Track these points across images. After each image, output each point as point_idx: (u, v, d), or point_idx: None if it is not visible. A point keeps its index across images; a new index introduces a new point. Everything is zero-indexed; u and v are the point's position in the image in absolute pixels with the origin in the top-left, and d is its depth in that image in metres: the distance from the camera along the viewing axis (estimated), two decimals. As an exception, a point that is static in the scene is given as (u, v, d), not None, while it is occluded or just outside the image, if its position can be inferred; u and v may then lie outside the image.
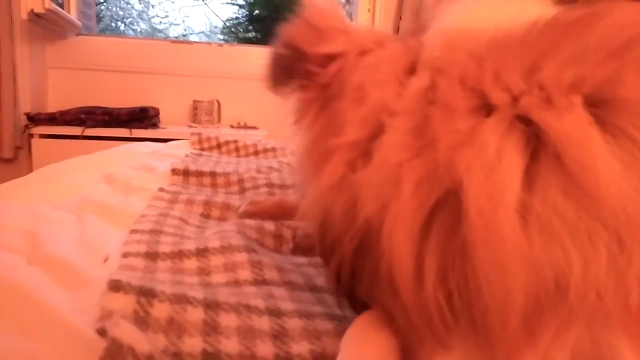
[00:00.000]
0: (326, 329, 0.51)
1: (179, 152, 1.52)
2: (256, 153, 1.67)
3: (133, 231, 0.72)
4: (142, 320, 0.47)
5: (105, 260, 0.63)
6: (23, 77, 2.70)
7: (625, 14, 0.37)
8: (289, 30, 0.57)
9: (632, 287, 0.29)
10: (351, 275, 0.46)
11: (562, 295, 0.30)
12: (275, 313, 0.53)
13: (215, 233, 0.74)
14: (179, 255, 0.66)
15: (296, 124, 0.61)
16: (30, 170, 2.60)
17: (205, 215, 0.89)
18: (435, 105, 0.40)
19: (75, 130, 2.55)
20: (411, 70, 0.48)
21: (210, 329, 0.48)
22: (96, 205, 0.85)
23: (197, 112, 2.97)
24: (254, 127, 3.02)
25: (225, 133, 2.74)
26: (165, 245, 0.69)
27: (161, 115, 2.89)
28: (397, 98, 0.45)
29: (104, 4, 8.07)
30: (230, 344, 0.46)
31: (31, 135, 2.57)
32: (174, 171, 1.16)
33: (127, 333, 0.40)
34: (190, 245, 0.69)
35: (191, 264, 0.65)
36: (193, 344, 0.46)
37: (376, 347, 0.43)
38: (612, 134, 0.31)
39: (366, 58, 0.52)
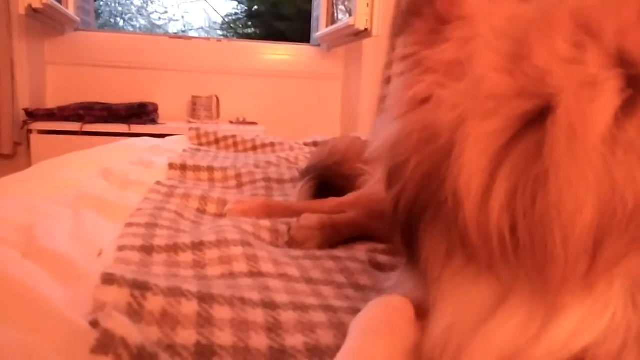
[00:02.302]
0: (320, 321, 0.51)
1: (177, 147, 1.52)
2: (254, 148, 1.66)
3: (129, 224, 0.72)
4: (135, 313, 0.47)
5: (100, 254, 0.63)
6: (21, 73, 2.69)
7: None
8: None
9: None
10: (408, 206, 0.45)
11: (636, 220, 0.30)
12: (269, 305, 0.53)
13: (211, 228, 0.74)
14: (174, 248, 0.66)
15: (402, 57, 0.60)
16: (29, 165, 2.58)
17: (201, 211, 0.89)
18: (541, 32, 0.39)
19: (74, 126, 2.54)
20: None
21: (204, 321, 0.48)
22: (92, 199, 0.84)
23: (195, 108, 2.96)
24: (253, 123, 3.02)
25: (224, 129, 2.73)
26: (161, 238, 0.69)
27: (160, 111, 2.89)
28: (507, 24, 0.45)
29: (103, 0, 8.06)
30: (224, 336, 0.46)
31: (30, 132, 2.57)
32: (171, 166, 1.16)
33: (119, 324, 0.40)
34: (185, 239, 0.69)
35: (186, 257, 0.65)
36: (186, 336, 0.46)
37: (387, 340, 0.42)
38: None
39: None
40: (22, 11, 2.40)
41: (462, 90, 0.39)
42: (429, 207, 0.40)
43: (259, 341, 0.47)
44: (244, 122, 3.02)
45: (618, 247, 0.31)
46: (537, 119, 0.34)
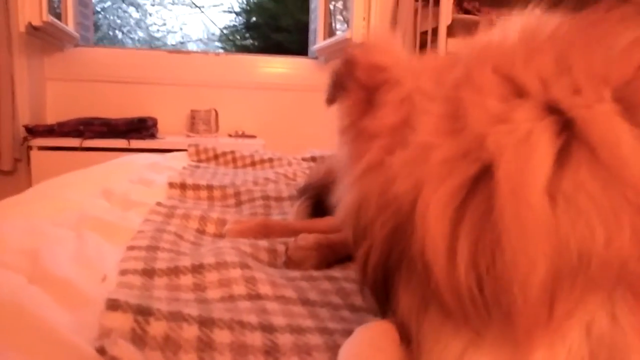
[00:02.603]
0: (317, 344, 0.53)
1: (176, 164, 1.55)
2: (253, 164, 1.69)
3: (130, 247, 0.74)
4: (139, 338, 0.50)
5: (104, 279, 0.65)
6: (21, 89, 2.72)
7: None
8: (349, 49, 0.62)
9: None
10: (378, 263, 0.47)
11: (584, 267, 0.33)
12: (267, 329, 0.55)
13: (210, 250, 0.77)
14: (175, 271, 0.69)
15: (342, 129, 0.64)
16: (29, 182, 2.62)
17: (201, 231, 0.91)
18: (470, 91, 0.41)
19: (74, 142, 2.57)
20: (448, 68, 0.50)
21: (205, 345, 0.50)
22: (94, 222, 0.87)
23: (194, 122, 2.99)
24: (252, 136, 3.05)
25: (223, 142, 2.76)
26: (162, 261, 0.71)
27: (159, 125, 2.92)
28: (434, 85, 0.48)
29: (102, 12, 8.12)
30: (224, 360, 0.48)
31: (30, 148, 2.59)
32: (171, 185, 1.18)
33: (125, 352, 0.42)
34: (186, 262, 0.71)
35: (187, 280, 0.67)
36: (188, 360, 0.48)
37: None
38: (637, 124, 0.34)
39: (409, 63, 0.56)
40: (22, 29, 2.44)
41: (411, 158, 0.43)
42: (402, 261, 0.43)
43: (258, 364, 0.49)
44: (243, 135, 3.05)
45: (573, 294, 0.33)
46: (484, 176, 0.37)
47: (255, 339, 0.53)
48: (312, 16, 3.54)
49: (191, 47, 8.47)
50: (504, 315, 0.35)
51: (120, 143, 2.61)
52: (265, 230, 0.89)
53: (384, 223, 0.45)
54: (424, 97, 0.47)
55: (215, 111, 3.03)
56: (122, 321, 0.51)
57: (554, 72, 0.38)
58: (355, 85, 0.60)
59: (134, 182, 1.26)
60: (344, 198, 0.58)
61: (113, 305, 0.53)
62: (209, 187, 1.20)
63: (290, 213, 1.03)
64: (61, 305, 0.57)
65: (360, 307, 0.65)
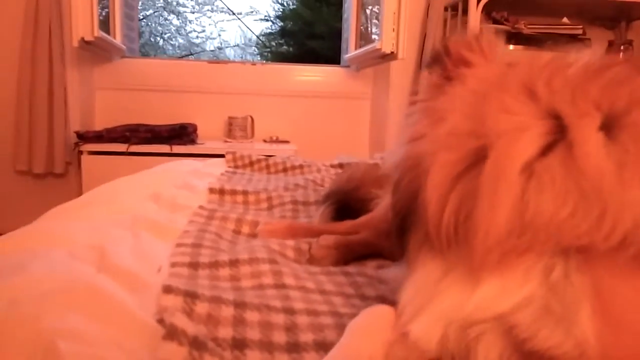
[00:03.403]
0: (328, 324, 0.66)
1: (215, 171, 1.70)
2: (285, 170, 1.83)
3: (178, 245, 0.89)
4: (187, 315, 0.63)
5: (159, 270, 0.80)
6: (73, 98, 2.94)
7: None
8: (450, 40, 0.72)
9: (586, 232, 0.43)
10: (401, 211, 0.59)
11: (534, 228, 0.45)
12: (289, 311, 0.68)
13: (244, 247, 0.90)
14: (215, 265, 0.82)
15: (415, 102, 0.75)
16: (80, 184, 2.83)
17: (237, 232, 1.05)
18: (497, 90, 0.53)
19: (121, 147, 2.76)
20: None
21: (239, 322, 0.64)
22: (147, 222, 1.02)
23: (232, 128, 3.16)
24: (286, 142, 3.20)
25: (258, 148, 2.92)
26: (204, 256, 0.85)
27: (199, 131, 3.10)
28: (479, 82, 0.59)
29: (144, 20, 8.43)
30: (253, 333, 0.62)
31: (80, 152, 2.79)
32: (211, 190, 1.33)
33: (181, 320, 0.56)
34: (224, 257, 0.85)
35: (225, 272, 0.81)
36: (225, 332, 0.61)
37: (370, 338, 0.57)
38: (611, 137, 0.45)
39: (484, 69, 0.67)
40: (75, 44, 2.63)
41: (435, 132, 0.55)
42: (413, 213, 0.55)
43: (280, 337, 0.62)
44: (277, 141, 3.19)
45: (523, 246, 0.45)
46: (482, 150, 0.49)
47: (279, 319, 0.66)
48: (344, 25, 3.67)
49: (229, 52, 8.72)
50: (469, 251, 0.47)
51: (164, 148, 2.78)
52: (292, 232, 1.02)
53: (410, 181, 0.57)
54: (466, 92, 0.59)
55: (251, 118, 3.19)
56: (175, 302, 0.65)
57: (565, 91, 0.50)
58: (441, 71, 0.71)
59: (179, 187, 1.41)
60: (393, 154, 0.70)
61: (167, 289, 0.67)
62: (244, 192, 1.34)
63: (315, 216, 1.16)
64: (126, 289, 0.71)
65: (369, 296, 0.78)
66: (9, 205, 2.92)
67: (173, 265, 0.81)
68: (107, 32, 3.00)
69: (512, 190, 0.46)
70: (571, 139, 0.46)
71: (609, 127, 0.46)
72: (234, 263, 0.83)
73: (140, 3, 6.95)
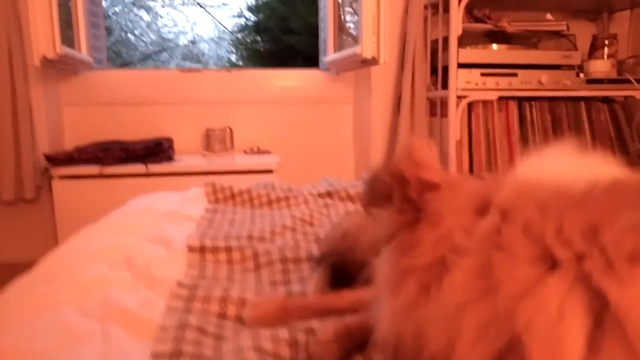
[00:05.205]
0: None
1: (194, 211, 1.57)
2: (270, 203, 1.71)
3: (154, 355, 0.76)
4: None
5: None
6: (39, 116, 2.77)
7: None
8: (395, 161, 0.62)
9: None
10: None
11: None
12: None
13: (233, 350, 0.78)
14: (199, 386, 0.70)
15: (385, 243, 0.65)
16: (52, 209, 2.67)
17: (222, 315, 0.93)
18: (500, 250, 0.43)
19: (94, 170, 2.60)
20: (484, 208, 0.51)
21: None
22: (119, 313, 0.89)
23: (210, 141, 3.01)
24: (267, 152, 3.07)
25: (239, 162, 2.79)
26: (186, 371, 0.73)
27: (175, 144, 2.95)
28: (466, 236, 0.49)
29: (113, 16, 8.17)
30: None
31: (51, 177, 2.63)
32: (191, 249, 1.20)
33: None
34: (209, 372, 0.73)
35: (211, 396, 0.69)
36: None
37: None
38: None
39: (449, 189, 0.57)
40: (36, 62, 2.46)
41: (444, 315, 0.44)
42: None
43: None
44: (258, 152, 3.06)
45: None
46: (514, 345, 0.38)
47: None
48: (321, 24, 3.52)
49: (202, 46, 8.49)
50: None
51: (139, 168, 2.63)
52: (285, 314, 0.91)
53: None
54: (457, 246, 0.48)
55: (230, 129, 3.05)
56: None
57: (585, 240, 0.39)
58: (404, 201, 0.60)
59: (155, 241, 1.28)
60: (381, 322, 0.59)
61: None
62: (228, 249, 1.21)
63: (309, 285, 1.04)
64: None
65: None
66: (-21, 235, 2.77)
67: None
68: (72, 44, 2.82)
69: None
70: (621, 321, 0.35)
71: None
72: (221, 381, 0.71)
73: (105, 3, 6.70)
